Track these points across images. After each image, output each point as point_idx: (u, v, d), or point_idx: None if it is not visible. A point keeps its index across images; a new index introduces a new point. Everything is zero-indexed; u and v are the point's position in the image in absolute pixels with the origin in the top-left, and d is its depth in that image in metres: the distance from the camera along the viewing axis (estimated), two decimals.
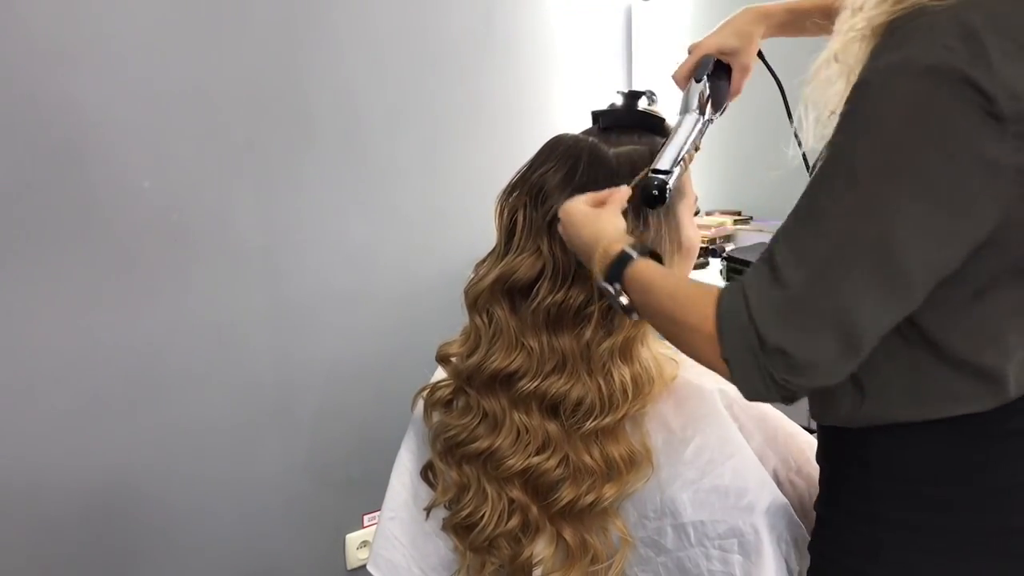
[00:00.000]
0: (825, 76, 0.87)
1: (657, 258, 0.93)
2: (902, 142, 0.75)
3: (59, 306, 1.72)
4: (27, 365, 1.70)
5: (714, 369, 0.84)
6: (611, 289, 0.92)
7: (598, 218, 0.97)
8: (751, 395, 0.83)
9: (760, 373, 0.80)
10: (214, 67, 1.87)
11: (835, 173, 0.79)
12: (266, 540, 2.04)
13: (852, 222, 0.77)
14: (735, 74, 1.17)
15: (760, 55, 1.16)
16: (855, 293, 0.77)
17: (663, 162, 1.02)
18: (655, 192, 1.00)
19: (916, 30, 0.76)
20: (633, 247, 0.92)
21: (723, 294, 0.83)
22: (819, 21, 1.18)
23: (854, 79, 0.79)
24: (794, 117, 0.87)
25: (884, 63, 0.77)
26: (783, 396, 0.81)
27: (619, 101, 1.16)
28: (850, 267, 0.77)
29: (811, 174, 0.84)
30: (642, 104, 1.14)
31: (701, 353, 0.84)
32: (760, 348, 0.79)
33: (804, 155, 1.12)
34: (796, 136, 1.14)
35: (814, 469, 1.05)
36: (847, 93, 0.80)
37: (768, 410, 1.09)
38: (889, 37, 0.78)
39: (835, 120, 0.81)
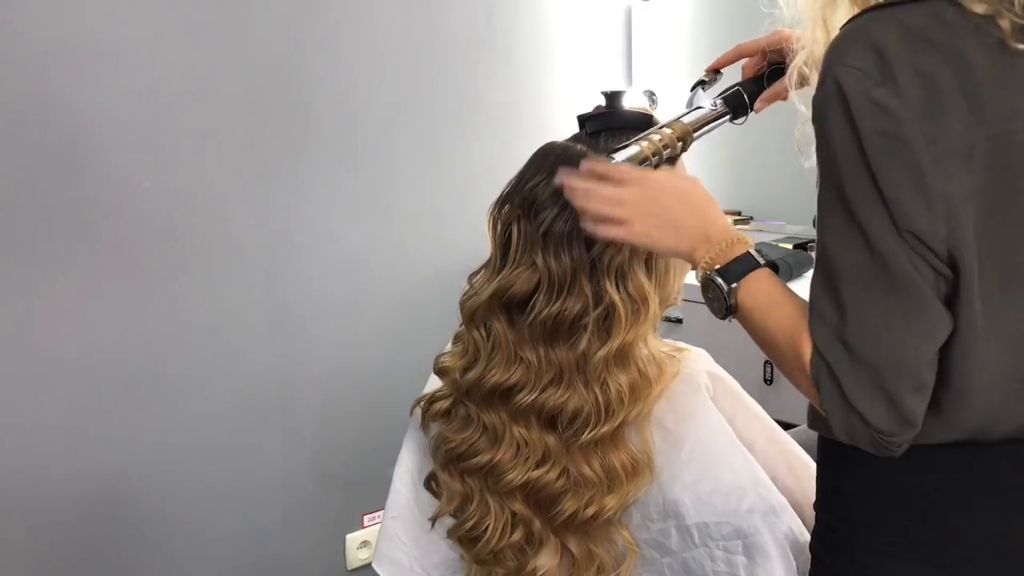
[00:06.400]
0: None
1: (775, 268, 0.91)
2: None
3: (57, 307, 1.72)
4: (25, 366, 1.69)
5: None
6: (723, 287, 0.88)
7: (705, 199, 0.93)
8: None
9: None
10: (214, 67, 1.87)
11: None
12: (266, 541, 2.04)
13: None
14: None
15: None
16: None
17: (622, 153, 1.00)
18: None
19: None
20: (759, 252, 0.90)
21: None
22: None
23: None
24: None
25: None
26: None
27: (603, 102, 1.14)
28: None
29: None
30: (632, 103, 1.13)
31: (805, 393, 0.84)
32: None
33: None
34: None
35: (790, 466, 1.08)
36: None
37: (749, 402, 1.10)
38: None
39: None
